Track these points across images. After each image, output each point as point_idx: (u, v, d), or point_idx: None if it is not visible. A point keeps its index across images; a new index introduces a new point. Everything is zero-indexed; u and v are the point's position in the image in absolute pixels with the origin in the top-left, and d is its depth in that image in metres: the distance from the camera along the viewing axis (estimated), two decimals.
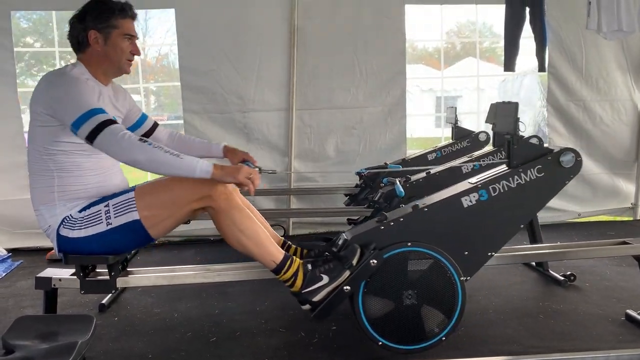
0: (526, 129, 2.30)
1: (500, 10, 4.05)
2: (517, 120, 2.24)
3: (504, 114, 2.42)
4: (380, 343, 2.05)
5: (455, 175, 3.25)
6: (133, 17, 2.13)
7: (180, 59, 4.10)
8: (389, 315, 2.04)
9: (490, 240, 2.20)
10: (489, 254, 2.21)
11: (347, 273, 1.99)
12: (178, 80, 4.15)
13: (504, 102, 2.48)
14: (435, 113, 10.06)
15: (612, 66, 4.37)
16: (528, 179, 2.17)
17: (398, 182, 2.92)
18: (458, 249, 2.12)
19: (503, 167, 2.27)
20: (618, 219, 4.61)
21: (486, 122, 3.60)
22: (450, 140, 4.06)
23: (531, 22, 3.92)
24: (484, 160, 3.25)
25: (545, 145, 3.52)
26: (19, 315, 1.62)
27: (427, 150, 4.05)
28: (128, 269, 2.41)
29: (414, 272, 2.05)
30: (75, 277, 2.19)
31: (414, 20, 4.44)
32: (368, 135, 4.28)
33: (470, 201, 2.15)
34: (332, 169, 4.26)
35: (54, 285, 2.30)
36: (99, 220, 1.97)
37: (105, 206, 1.98)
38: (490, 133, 3.61)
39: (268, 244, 2.04)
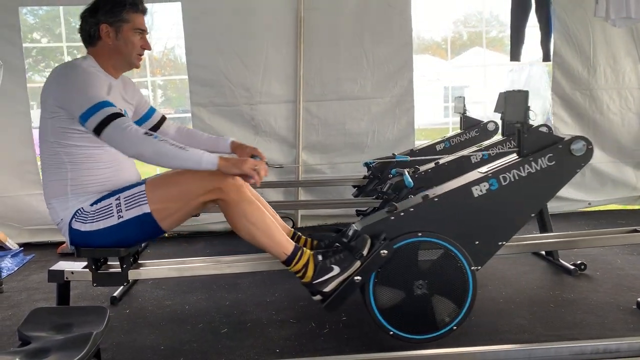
0: (536, 118, 2.28)
1: None
2: (527, 108, 2.22)
3: (513, 102, 2.39)
4: (392, 333, 2.05)
5: (464, 165, 3.25)
6: (144, 11, 2.15)
7: (187, 53, 4.09)
8: (400, 305, 2.04)
9: (500, 229, 2.19)
10: (500, 243, 2.19)
11: (357, 263, 1.99)
12: (185, 73, 4.15)
13: (513, 91, 2.46)
14: (444, 103, 10.01)
15: (621, 54, 4.31)
16: (539, 168, 2.15)
17: (407, 173, 2.93)
18: (469, 239, 2.11)
19: (514, 156, 2.25)
20: (628, 207, 4.58)
21: (495, 111, 3.58)
22: (459, 130, 4.05)
23: (537, 11, 3.88)
24: (493, 150, 3.24)
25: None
26: (32, 308, 1.64)
27: (435, 141, 4.04)
28: (139, 262, 2.43)
29: (424, 262, 2.04)
30: (88, 270, 2.21)
31: (421, 10, 4.40)
32: (376, 126, 4.26)
33: (481, 190, 2.13)
34: (340, 161, 4.25)
35: (67, 278, 2.32)
36: (110, 214, 1.99)
37: (116, 199, 2.00)
38: (499, 122, 3.59)
39: (278, 235, 2.05)
